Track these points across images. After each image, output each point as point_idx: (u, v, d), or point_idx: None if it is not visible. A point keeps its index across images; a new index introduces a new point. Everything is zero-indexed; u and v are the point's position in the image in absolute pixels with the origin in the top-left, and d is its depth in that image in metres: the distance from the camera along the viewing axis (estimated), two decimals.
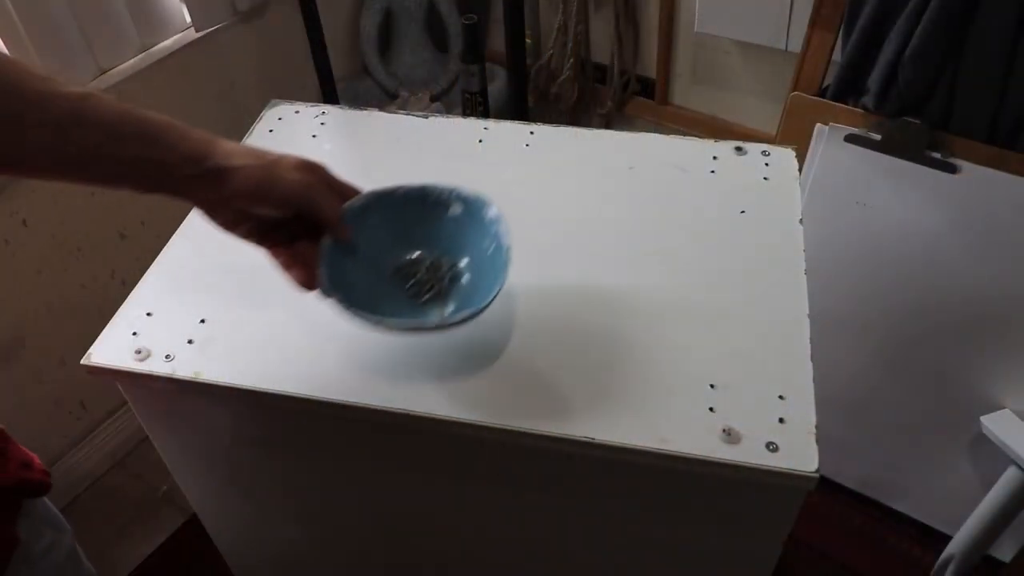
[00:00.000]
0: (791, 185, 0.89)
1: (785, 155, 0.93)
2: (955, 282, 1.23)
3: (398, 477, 0.81)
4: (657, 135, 0.97)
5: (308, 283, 0.68)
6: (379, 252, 0.74)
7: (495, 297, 0.67)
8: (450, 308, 0.73)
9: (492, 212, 0.73)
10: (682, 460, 0.65)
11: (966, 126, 1.16)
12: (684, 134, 1.17)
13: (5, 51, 1.31)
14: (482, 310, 0.67)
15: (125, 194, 1.58)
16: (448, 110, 2.02)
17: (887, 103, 1.19)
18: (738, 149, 0.94)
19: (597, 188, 0.90)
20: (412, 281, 0.75)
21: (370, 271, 0.73)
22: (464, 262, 0.75)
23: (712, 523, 0.73)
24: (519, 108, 1.81)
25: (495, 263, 0.71)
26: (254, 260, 0.85)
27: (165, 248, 0.87)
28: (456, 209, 0.74)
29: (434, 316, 0.73)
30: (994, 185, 1.15)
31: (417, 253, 0.76)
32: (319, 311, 0.78)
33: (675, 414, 0.67)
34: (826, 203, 1.30)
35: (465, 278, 0.75)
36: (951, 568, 1.32)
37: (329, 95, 1.82)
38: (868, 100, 1.21)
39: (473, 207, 0.74)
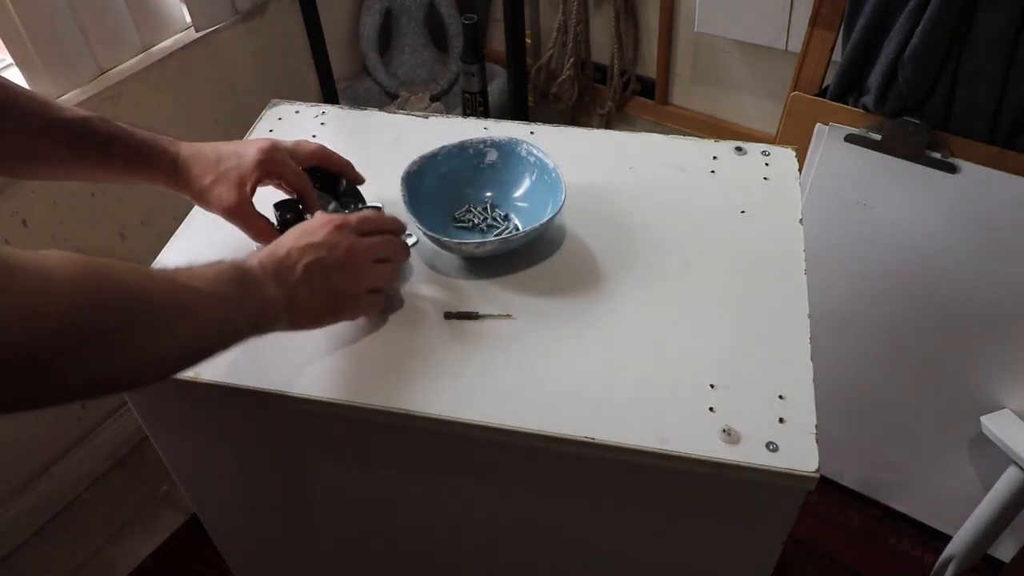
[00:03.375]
0: (791, 185, 0.89)
1: (785, 155, 0.93)
2: (955, 282, 1.23)
3: (398, 477, 0.81)
4: (657, 135, 0.97)
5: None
6: (439, 207, 0.86)
7: (563, 204, 0.79)
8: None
9: (525, 148, 0.86)
10: (682, 460, 0.65)
11: (966, 126, 1.16)
12: (684, 134, 1.17)
13: (5, 52, 1.32)
14: (560, 209, 0.78)
15: (125, 194, 1.58)
16: (448, 110, 2.02)
17: (887, 103, 1.19)
18: (738, 149, 0.94)
19: (597, 188, 0.90)
20: (474, 223, 0.86)
21: (440, 221, 0.85)
22: (517, 193, 0.87)
23: (712, 523, 0.73)
24: (519, 108, 1.81)
25: (544, 183, 0.84)
26: None
27: (165, 248, 0.86)
28: (492, 155, 0.87)
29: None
30: (994, 185, 1.15)
31: (467, 205, 0.88)
32: None
33: (675, 414, 0.67)
34: (826, 203, 1.30)
35: (523, 204, 0.87)
36: (951, 568, 1.32)
37: (329, 95, 1.82)
38: (868, 100, 1.21)
39: (506, 149, 0.87)
